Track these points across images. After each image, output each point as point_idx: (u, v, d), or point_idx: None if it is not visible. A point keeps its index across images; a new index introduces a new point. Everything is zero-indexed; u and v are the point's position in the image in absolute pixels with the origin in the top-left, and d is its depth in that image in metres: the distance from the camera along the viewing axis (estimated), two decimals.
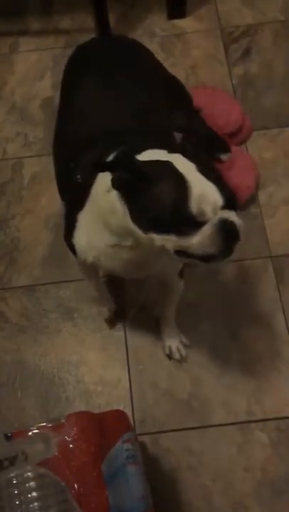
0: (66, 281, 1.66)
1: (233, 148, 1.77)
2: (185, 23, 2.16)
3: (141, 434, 1.44)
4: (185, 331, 1.57)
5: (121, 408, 1.43)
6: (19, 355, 1.57)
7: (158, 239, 1.00)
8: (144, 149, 1.06)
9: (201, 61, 2.05)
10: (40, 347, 1.58)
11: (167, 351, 1.54)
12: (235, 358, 1.55)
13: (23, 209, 1.79)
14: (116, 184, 1.00)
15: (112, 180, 1.00)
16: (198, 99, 1.73)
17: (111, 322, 1.61)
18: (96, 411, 1.16)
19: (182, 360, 1.54)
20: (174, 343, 1.54)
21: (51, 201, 1.80)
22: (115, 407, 1.45)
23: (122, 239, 1.10)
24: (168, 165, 1.01)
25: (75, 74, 1.48)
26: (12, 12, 2.23)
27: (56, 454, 1.01)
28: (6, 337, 1.60)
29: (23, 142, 1.92)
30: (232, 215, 1.00)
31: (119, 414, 1.16)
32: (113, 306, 1.60)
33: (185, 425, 1.47)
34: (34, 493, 0.95)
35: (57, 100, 1.97)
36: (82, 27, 2.16)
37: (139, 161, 1.01)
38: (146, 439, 1.45)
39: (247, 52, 2.07)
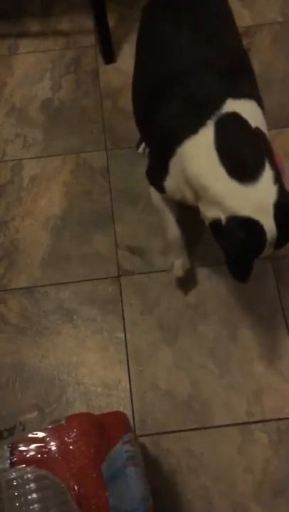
0: (66, 283, 1.66)
1: None
2: None
3: (141, 436, 1.44)
4: (185, 332, 1.58)
5: (121, 409, 1.44)
6: (19, 357, 1.57)
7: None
8: (238, 94, 1.15)
9: None
10: (39, 348, 1.58)
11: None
12: (235, 359, 1.55)
13: (22, 211, 1.79)
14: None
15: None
16: None
17: (182, 283, 1.57)
18: (96, 412, 1.16)
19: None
20: None
21: (50, 203, 1.80)
22: (115, 409, 1.45)
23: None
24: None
25: (159, 13, 1.44)
26: (11, 14, 2.23)
27: (56, 455, 1.01)
28: (6, 338, 1.60)
29: (23, 144, 1.92)
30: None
31: (119, 416, 1.16)
32: (187, 263, 1.54)
33: (185, 426, 1.47)
34: (34, 495, 0.95)
35: (56, 102, 2.00)
36: (81, 29, 2.17)
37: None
38: (146, 440, 1.45)
39: None
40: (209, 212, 1.17)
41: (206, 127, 1.16)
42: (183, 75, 1.24)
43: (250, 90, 1.24)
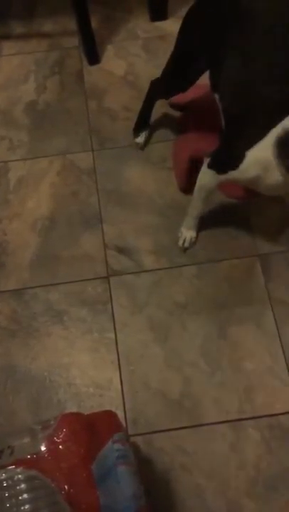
0: (55, 284, 1.66)
1: None
2: (167, 25, 2.16)
3: (134, 435, 1.44)
4: (175, 331, 1.58)
5: (113, 409, 1.43)
6: (10, 359, 1.57)
7: None
8: None
9: None
10: (30, 350, 1.58)
11: None
12: (225, 357, 1.55)
13: (10, 213, 1.79)
14: None
15: None
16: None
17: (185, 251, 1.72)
18: (88, 413, 1.16)
19: None
20: None
21: (38, 204, 1.80)
22: (107, 409, 1.44)
23: None
24: None
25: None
26: None
27: (46, 455, 1.00)
28: None
29: (8, 146, 1.91)
30: None
31: (109, 415, 1.16)
32: (195, 236, 1.72)
33: (177, 425, 1.47)
34: (25, 495, 0.94)
35: (41, 104, 1.99)
36: (64, 30, 2.17)
37: None
38: (139, 439, 1.44)
39: None
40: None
41: None
42: None
43: None
